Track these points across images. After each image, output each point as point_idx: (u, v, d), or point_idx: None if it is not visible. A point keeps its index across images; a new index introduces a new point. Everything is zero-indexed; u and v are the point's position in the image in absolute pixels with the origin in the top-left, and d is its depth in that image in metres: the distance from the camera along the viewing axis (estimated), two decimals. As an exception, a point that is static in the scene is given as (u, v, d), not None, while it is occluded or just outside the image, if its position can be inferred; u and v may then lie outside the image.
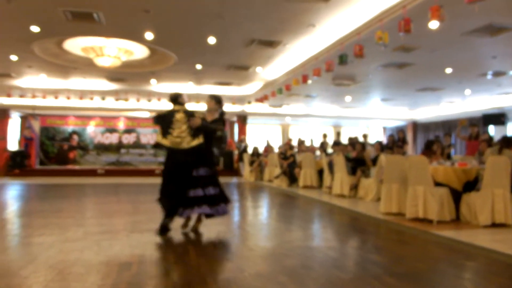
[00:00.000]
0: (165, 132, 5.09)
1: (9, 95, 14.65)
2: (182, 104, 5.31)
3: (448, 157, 8.06)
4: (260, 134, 20.62)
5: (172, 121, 5.11)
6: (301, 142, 13.91)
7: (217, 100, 5.52)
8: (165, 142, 5.09)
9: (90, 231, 5.14)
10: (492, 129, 16.31)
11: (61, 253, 4.00)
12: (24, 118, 17.83)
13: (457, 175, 6.10)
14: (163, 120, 5.16)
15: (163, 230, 4.93)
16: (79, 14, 7.63)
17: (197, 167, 5.07)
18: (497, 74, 11.43)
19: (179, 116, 5.16)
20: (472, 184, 5.99)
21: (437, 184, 6.00)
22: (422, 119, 20.61)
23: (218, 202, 5.09)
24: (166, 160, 5.23)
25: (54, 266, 3.52)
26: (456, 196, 6.05)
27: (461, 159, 8.16)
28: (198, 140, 5.11)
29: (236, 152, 17.89)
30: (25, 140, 16.69)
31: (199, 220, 5.31)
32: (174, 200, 5.00)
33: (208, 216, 5.12)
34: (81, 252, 4.03)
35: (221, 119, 5.44)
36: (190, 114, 5.18)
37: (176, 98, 5.28)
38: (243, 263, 3.80)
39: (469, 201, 5.87)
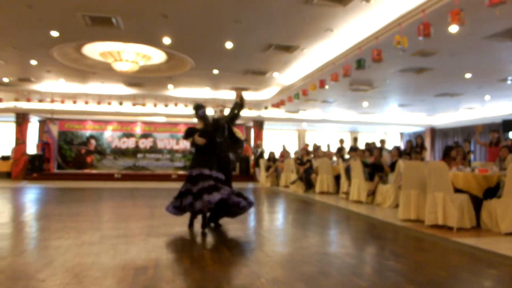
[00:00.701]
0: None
1: (28, 100, 14.88)
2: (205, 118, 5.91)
3: (467, 163, 7.91)
4: (277, 140, 20.56)
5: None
6: (317, 148, 13.82)
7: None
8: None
9: (106, 235, 5.15)
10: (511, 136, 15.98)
11: (77, 256, 4.01)
12: (43, 123, 18.09)
13: (477, 181, 5.96)
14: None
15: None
16: (98, 19, 7.71)
17: None
18: (517, 79, 11.21)
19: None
20: (493, 191, 5.85)
21: (457, 190, 5.88)
22: (440, 125, 20.30)
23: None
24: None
25: (70, 270, 3.53)
26: (477, 203, 5.92)
27: (481, 165, 8.00)
28: None
29: (252, 157, 17.86)
30: (42, 144, 16.91)
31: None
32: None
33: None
34: (98, 256, 4.03)
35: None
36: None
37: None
38: (260, 268, 3.75)
39: (490, 208, 5.74)
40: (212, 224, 5.92)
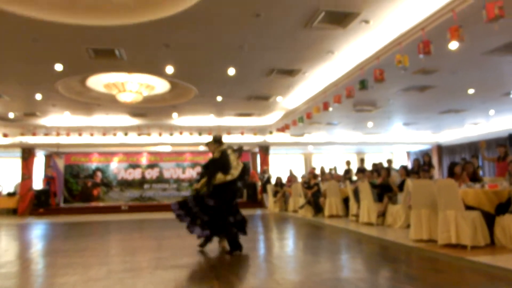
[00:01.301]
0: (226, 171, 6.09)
1: (34, 134, 14.99)
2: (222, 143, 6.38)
3: (477, 179, 7.77)
4: (283, 164, 20.46)
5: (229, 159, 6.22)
6: (323, 171, 13.72)
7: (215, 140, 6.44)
8: (229, 177, 6.13)
9: (113, 269, 5.05)
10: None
11: (84, 292, 3.91)
12: (49, 157, 18.15)
13: (488, 197, 5.87)
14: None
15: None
16: (101, 51, 7.81)
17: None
18: (521, 92, 11.16)
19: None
20: (505, 206, 5.73)
21: (468, 207, 5.76)
22: (446, 142, 20.16)
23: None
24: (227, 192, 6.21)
25: (76, 307, 3.44)
26: (489, 220, 5.79)
27: (491, 181, 7.86)
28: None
29: (259, 183, 17.75)
30: (47, 179, 16.91)
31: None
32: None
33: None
34: (104, 291, 3.94)
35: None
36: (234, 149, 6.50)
37: (220, 139, 6.40)
38: (271, 298, 3.64)
39: (503, 224, 5.62)
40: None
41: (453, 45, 6.03)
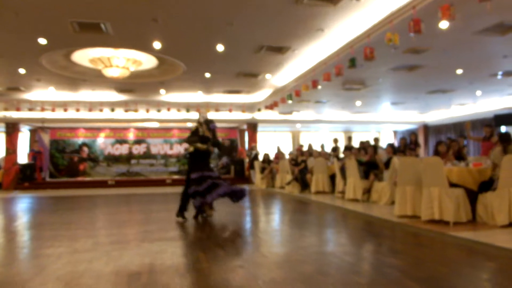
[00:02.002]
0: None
1: (18, 109, 14.73)
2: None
3: (462, 157, 7.89)
4: (271, 141, 20.50)
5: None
6: (311, 149, 13.75)
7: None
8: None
9: (99, 242, 5.06)
10: (503, 130, 16.04)
11: (69, 264, 3.92)
12: (34, 132, 17.91)
13: (472, 175, 5.99)
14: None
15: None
16: (87, 25, 7.63)
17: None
18: (507, 73, 11.25)
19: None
20: (487, 184, 5.84)
21: (452, 185, 5.86)
22: (433, 122, 20.37)
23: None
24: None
25: (61, 278, 3.44)
26: (472, 197, 5.91)
27: (475, 160, 8.00)
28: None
29: (247, 159, 17.79)
30: (33, 154, 16.73)
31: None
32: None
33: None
34: (90, 263, 3.94)
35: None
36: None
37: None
38: (257, 270, 3.68)
39: (485, 202, 5.73)
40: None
41: (444, 24, 6.04)
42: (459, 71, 10.91)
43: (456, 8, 5.62)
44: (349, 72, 9.42)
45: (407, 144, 10.55)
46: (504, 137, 6.20)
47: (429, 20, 6.17)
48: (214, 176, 6.78)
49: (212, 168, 7.14)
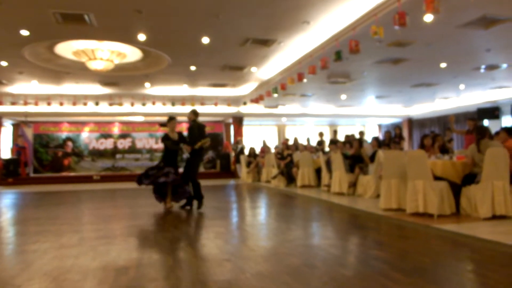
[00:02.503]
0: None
1: (0, 103, 14.47)
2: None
3: (446, 151, 7.99)
4: (257, 135, 20.52)
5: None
6: (296, 143, 13.81)
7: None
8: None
9: (86, 237, 5.02)
10: (486, 123, 16.31)
11: (55, 259, 3.88)
12: (17, 126, 17.61)
13: (455, 168, 6.06)
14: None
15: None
16: (70, 16, 7.50)
17: None
18: (490, 67, 11.41)
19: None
20: (471, 177, 5.92)
21: (436, 178, 5.94)
22: (417, 115, 20.61)
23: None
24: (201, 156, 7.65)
25: (48, 273, 3.41)
26: (456, 190, 5.99)
27: (459, 153, 8.11)
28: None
29: (232, 154, 17.79)
30: (18, 148, 16.47)
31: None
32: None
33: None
34: (77, 258, 3.92)
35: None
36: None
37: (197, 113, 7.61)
38: (244, 263, 3.70)
39: (469, 194, 5.82)
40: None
41: (428, 17, 6.09)
42: (443, 65, 11.04)
43: (440, 2, 5.67)
44: (335, 65, 9.46)
45: (392, 138, 10.66)
46: (479, 130, 6.18)
47: (414, 13, 6.23)
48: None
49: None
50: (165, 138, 7.46)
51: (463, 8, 6.87)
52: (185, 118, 8.24)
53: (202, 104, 15.89)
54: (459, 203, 5.96)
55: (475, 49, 9.64)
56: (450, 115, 10.03)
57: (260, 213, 7.52)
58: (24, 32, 8.30)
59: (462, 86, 14.25)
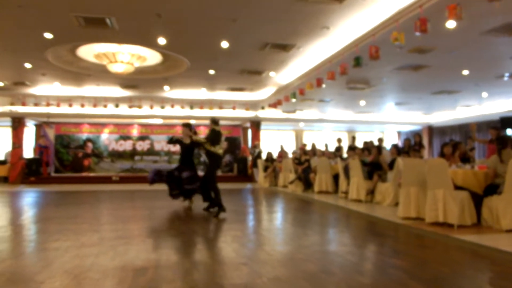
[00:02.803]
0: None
1: (23, 104, 14.79)
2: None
3: (468, 160, 7.86)
4: (274, 140, 20.51)
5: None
6: (314, 148, 13.76)
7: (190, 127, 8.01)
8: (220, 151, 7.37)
9: (105, 237, 5.09)
10: (510, 132, 15.98)
11: (76, 258, 3.95)
12: (39, 126, 17.99)
13: (477, 178, 5.94)
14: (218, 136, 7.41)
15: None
16: (92, 19, 7.64)
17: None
18: (514, 75, 11.21)
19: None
20: (493, 188, 5.81)
21: (457, 187, 5.84)
22: (437, 123, 20.30)
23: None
24: (218, 163, 7.47)
25: (69, 271, 3.48)
26: (477, 200, 5.88)
27: (481, 162, 7.97)
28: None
29: (250, 158, 17.81)
30: (40, 148, 16.82)
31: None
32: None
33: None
34: (97, 257, 3.98)
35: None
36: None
37: (217, 121, 7.58)
38: (261, 267, 3.70)
39: (490, 205, 5.69)
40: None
41: (451, 24, 6.01)
42: (465, 72, 10.88)
43: (463, 8, 5.60)
44: (354, 71, 9.41)
45: (411, 145, 10.53)
46: (501, 140, 6.11)
47: (435, 20, 6.16)
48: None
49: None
50: (175, 140, 8.08)
51: (487, 15, 6.76)
52: (202, 122, 8.62)
53: (220, 108, 15.96)
54: (481, 213, 5.84)
55: (498, 57, 9.47)
56: (472, 123, 9.86)
57: (277, 217, 7.52)
58: (48, 35, 8.48)
59: (484, 94, 14.00)
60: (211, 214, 7.07)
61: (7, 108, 15.68)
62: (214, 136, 7.40)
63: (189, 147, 7.86)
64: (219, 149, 7.35)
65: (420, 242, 5.08)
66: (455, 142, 8.51)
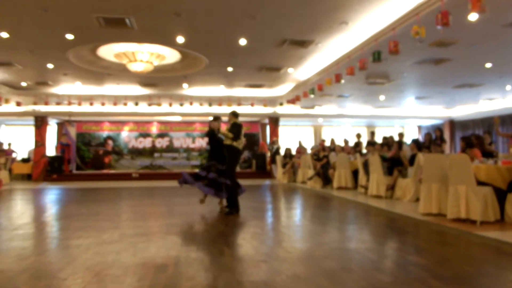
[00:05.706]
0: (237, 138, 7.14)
1: (46, 103, 15.10)
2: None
3: (491, 155, 7.69)
4: (293, 136, 20.45)
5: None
6: (333, 143, 13.68)
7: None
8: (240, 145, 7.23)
9: (126, 234, 5.17)
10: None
11: (98, 255, 4.02)
12: (61, 125, 18.35)
13: (501, 173, 5.80)
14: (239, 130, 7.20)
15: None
16: (112, 20, 7.75)
17: None
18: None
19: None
20: (518, 183, 5.68)
21: (480, 183, 5.73)
22: (459, 117, 19.92)
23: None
24: (238, 158, 7.32)
25: (91, 268, 3.54)
26: (500, 196, 5.75)
27: (504, 157, 7.80)
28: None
29: (268, 154, 17.81)
30: (62, 146, 17.16)
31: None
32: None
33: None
34: (118, 254, 4.04)
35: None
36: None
37: (238, 114, 7.44)
38: (280, 265, 3.71)
39: (515, 201, 5.58)
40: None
41: (473, 16, 5.89)
42: (488, 65, 10.65)
43: (486, 0, 5.47)
44: (373, 66, 9.32)
45: (433, 140, 10.37)
46: None
47: (457, 12, 6.05)
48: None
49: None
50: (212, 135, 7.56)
51: (509, 7, 6.60)
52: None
53: (239, 104, 16.00)
54: (504, 209, 5.72)
55: (522, 49, 9.25)
56: (495, 117, 9.66)
57: (296, 214, 7.50)
58: (69, 36, 8.63)
59: (508, 87, 13.69)
60: (224, 211, 7.07)
61: (31, 108, 16.03)
62: (237, 130, 7.20)
63: (221, 140, 7.38)
64: (240, 144, 7.22)
65: (442, 239, 5.00)
66: (476, 136, 8.35)
